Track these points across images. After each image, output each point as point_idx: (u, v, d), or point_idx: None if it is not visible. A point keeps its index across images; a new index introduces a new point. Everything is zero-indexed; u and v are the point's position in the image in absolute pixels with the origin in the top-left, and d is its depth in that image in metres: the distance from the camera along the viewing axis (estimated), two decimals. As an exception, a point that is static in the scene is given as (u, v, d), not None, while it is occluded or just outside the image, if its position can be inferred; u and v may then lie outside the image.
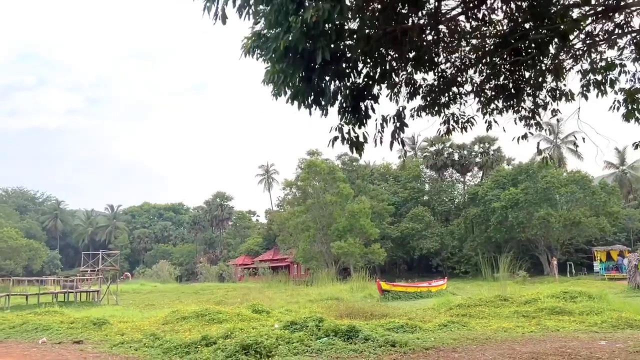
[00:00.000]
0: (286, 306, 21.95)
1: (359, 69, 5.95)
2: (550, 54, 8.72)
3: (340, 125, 6.54)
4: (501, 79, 9.26)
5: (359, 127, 6.07)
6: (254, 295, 33.56)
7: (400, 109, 7.18)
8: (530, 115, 9.56)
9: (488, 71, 9.16)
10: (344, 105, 5.98)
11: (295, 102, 6.15)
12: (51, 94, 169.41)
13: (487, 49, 8.94)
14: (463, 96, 9.37)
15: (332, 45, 4.99)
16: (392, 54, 7.12)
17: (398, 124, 6.60)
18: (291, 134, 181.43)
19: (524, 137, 9.19)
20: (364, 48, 5.25)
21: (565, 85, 9.33)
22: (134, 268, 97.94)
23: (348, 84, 5.99)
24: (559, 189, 51.06)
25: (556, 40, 8.07)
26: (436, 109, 8.90)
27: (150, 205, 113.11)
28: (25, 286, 30.20)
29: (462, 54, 9.07)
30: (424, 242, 60.19)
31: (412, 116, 8.49)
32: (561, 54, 9.08)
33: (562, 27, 7.61)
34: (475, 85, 9.34)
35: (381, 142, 6.71)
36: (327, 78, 5.51)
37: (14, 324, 12.89)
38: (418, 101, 8.62)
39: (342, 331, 8.50)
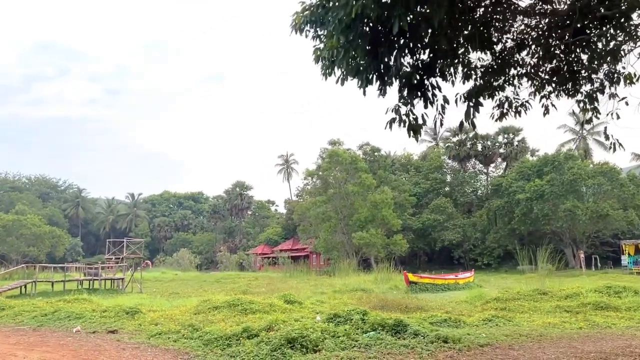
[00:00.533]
0: (313, 296, 21.62)
1: (426, 42, 5.44)
2: (610, 35, 8.17)
3: (397, 107, 6.10)
4: (555, 61, 8.72)
5: (426, 107, 5.60)
6: (277, 284, 33.37)
7: (473, 87, 6.64)
8: (586, 100, 8.99)
9: (543, 52, 8.61)
10: (408, 83, 5.50)
11: (351, 80, 5.70)
12: (71, 84, 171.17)
13: (543, 28, 8.40)
14: (517, 78, 8.83)
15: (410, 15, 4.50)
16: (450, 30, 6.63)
17: (472, 104, 6.10)
18: (310, 124, 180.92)
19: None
20: (442, 17, 4.75)
21: (624, 68, 8.74)
22: (154, 256, 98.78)
23: (413, 59, 5.50)
24: (585, 181, 49.92)
25: (617, 20, 7.56)
26: (489, 92, 8.39)
27: (170, 194, 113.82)
28: (51, 273, 30.34)
29: (516, 34, 8.53)
30: (446, 233, 59.47)
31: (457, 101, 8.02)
32: (620, 34, 8.49)
33: (624, 5, 7.06)
34: (530, 67, 8.80)
35: (441, 124, 6.25)
36: (395, 52, 5.03)
37: (46, 311, 12.75)
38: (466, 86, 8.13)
39: (389, 325, 8.07)
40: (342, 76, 6.44)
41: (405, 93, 5.58)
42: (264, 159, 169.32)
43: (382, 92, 5.87)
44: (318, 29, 5.79)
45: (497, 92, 8.60)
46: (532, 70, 8.82)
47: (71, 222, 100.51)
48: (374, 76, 5.20)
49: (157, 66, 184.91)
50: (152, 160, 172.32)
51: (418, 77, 5.35)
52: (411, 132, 6.18)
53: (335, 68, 6.00)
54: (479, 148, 67.10)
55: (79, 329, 10.35)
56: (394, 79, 5.27)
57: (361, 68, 5.22)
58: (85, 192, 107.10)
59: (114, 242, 33.26)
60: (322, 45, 6.31)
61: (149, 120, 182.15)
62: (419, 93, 5.50)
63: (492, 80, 8.34)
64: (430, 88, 5.54)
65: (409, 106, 6.08)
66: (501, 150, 66.02)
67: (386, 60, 5.08)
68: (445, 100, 6.29)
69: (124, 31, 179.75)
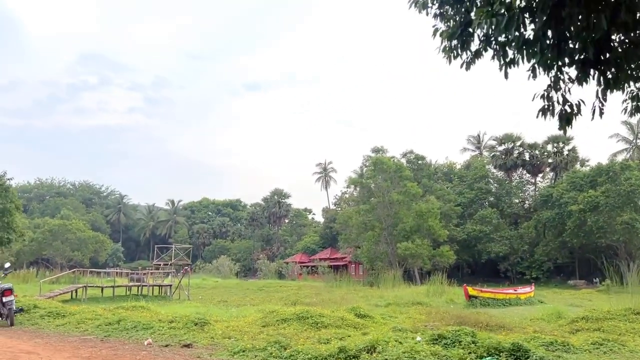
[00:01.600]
0: (374, 309, 20.63)
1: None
2: None
3: (547, 92, 5.21)
4: None
5: (607, 89, 4.68)
6: (324, 295, 32.42)
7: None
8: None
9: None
10: (582, 58, 4.59)
11: (491, 60, 4.82)
12: (113, 93, 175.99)
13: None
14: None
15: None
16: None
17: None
18: (349, 132, 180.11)
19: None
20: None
21: None
22: (193, 262, 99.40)
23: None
24: (644, 192, 47.39)
25: None
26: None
27: (209, 201, 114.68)
28: (95, 277, 30.31)
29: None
30: (492, 245, 57.56)
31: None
32: None
33: None
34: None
35: (601, 113, 5.26)
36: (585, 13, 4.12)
37: (110, 320, 12.22)
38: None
39: (507, 349, 7.07)
40: (471, 57, 5.60)
41: (565, 73, 4.67)
42: (301, 166, 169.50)
43: (534, 74, 5.03)
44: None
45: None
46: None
47: (112, 227, 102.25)
48: (548, 49, 4.32)
49: (195, 76, 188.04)
50: (190, 167, 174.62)
51: (593, 52, 4.43)
52: (563, 122, 5.27)
53: (472, 45, 5.21)
54: (526, 157, 64.98)
55: (150, 341, 9.71)
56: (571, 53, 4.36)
57: (530, 38, 4.35)
58: (126, 198, 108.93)
59: (161, 248, 33.04)
60: (443, 26, 5.56)
61: (187, 129, 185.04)
62: (594, 71, 4.60)
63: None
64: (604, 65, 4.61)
65: (560, 92, 5.19)
66: (550, 160, 63.62)
67: (564, 30, 4.19)
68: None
69: (164, 43, 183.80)
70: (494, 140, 66.78)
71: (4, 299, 12.22)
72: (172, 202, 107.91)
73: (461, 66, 5.75)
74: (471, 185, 63.66)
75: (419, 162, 59.22)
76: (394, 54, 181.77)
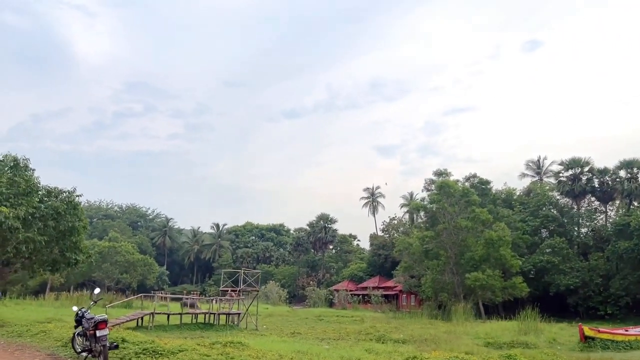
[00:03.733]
0: (482, 352, 17.92)
1: None
2: None
3: None
4: None
5: None
6: (407, 330, 29.60)
7: None
8: None
9: None
10: None
11: None
12: (156, 120, 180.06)
13: None
14: None
15: None
16: None
17: None
18: (381, 160, 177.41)
19: None
20: None
21: None
22: (236, 287, 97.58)
23: None
24: None
25: None
26: None
27: (253, 225, 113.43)
28: (154, 302, 28.48)
29: None
30: (562, 277, 53.53)
31: None
32: None
33: None
34: None
35: None
36: None
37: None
38: None
39: None
40: None
41: None
42: (343, 192, 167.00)
43: None
44: None
45: None
46: None
47: (157, 250, 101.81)
48: None
49: (234, 103, 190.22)
50: (230, 192, 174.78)
51: None
52: None
53: None
54: (595, 184, 60.95)
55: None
56: None
57: None
58: (172, 221, 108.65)
59: (229, 273, 31.12)
60: None
61: (227, 154, 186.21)
62: None
63: None
64: None
65: None
66: (622, 187, 59.33)
67: None
68: None
69: (204, 71, 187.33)
70: (559, 165, 62.96)
71: (98, 333, 10.22)
72: (217, 225, 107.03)
73: None
74: (534, 213, 59.95)
75: (483, 186, 56.04)
76: (428, 76, 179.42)
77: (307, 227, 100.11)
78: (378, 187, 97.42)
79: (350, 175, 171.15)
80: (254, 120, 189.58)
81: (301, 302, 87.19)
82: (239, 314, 27.62)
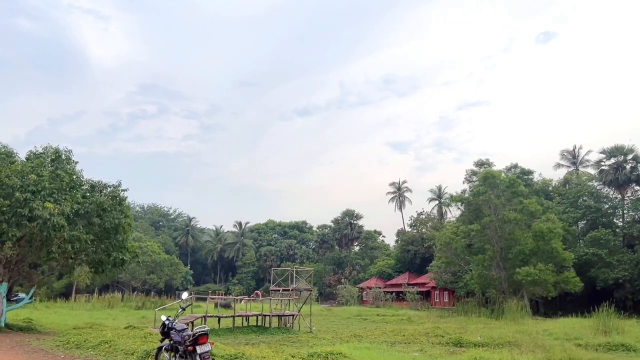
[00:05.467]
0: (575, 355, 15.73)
1: None
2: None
3: None
4: None
5: None
6: (469, 329, 27.42)
7: None
8: None
9: None
10: None
11: None
12: (170, 121, 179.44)
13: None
14: None
15: None
16: None
17: None
18: (395, 156, 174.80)
19: None
20: None
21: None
22: (260, 286, 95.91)
23: None
24: None
25: None
26: None
27: (275, 223, 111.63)
28: (217, 304, 26.60)
29: None
30: (609, 271, 50.84)
31: None
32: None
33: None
34: None
35: None
36: None
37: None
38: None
39: None
40: None
41: None
42: (358, 188, 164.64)
43: None
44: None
45: None
46: None
47: (180, 250, 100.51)
48: None
49: (247, 103, 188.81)
50: (245, 191, 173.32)
51: None
52: None
53: None
54: (640, 172, 58.00)
55: None
56: None
57: None
58: (194, 220, 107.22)
59: (280, 272, 29.12)
60: None
61: (242, 153, 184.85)
62: None
63: None
64: None
65: None
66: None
67: None
68: None
69: (217, 72, 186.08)
70: (600, 153, 60.03)
71: (199, 349, 8.18)
72: (240, 224, 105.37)
73: None
74: (574, 204, 57.26)
75: (525, 177, 53.46)
76: (444, 72, 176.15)
77: (332, 224, 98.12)
78: (405, 182, 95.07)
79: (364, 172, 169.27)
80: (266, 119, 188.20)
81: (328, 300, 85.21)
82: (294, 315, 25.62)
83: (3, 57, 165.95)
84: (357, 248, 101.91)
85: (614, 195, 60.05)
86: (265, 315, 24.97)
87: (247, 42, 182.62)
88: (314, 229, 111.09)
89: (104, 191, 20.70)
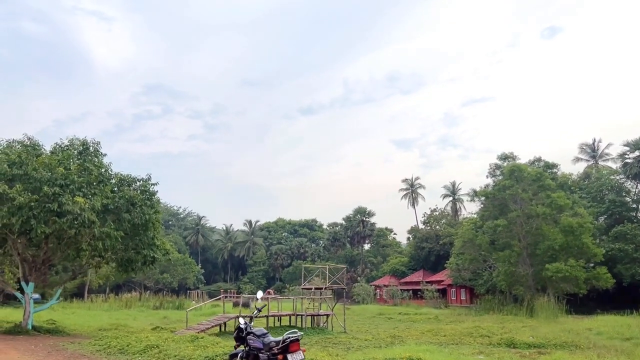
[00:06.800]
0: None
1: None
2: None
3: None
4: None
5: None
6: (509, 328, 26.16)
7: None
8: None
9: None
10: None
11: None
12: (175, 121, 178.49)
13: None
14: None
15: None
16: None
17: None
18: (399, 153, 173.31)
19: None
20: None
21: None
22: (270, 284, 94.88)
23: None
24: None
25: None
26: None
27: (285, 221, 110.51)
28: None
29: None
30: (637, 267, 49.45)
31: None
32: None
33: None
34: None
35: None
36: None
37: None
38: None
39: None
40: None
41: None
42: (365, 186, 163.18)
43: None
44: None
45: None
46: None
47: (190, 249, 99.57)
48: None
49: (251, 101, 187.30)
50: (252, 190, 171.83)
51: None
52: None
53: None
54: (667, 165, 56.50)
55: None
56: None
57: None
58: (204, 219, 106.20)
59: (309, 270, 27.99)
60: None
61: (247, 153, 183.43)
62: None
63: None
64: None
65: None
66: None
67: None
68: None
69: (221, 72, 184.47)
70: (624, 146, 58.52)
71: (291, 358, 7.06)
72: (250, 222, 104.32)
73: None
74: (596, 198, 55.87)
75: (550, 170, 52.11)
76: (453, 68, 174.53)
77: (343, 222, 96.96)
78: (417, 178, 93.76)
79: (370, 170, 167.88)
80: (271, 118, 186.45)
81: (340, 299, 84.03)
82: (328, 315, 24.48)
83: (8, 60, 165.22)
84: (367, 246, 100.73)
85: (639, 189, 58.62)
86: (298, 315, 23.84)
87: (250, 41, 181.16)
88: (324, 227, 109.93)
89: (133, 185, 19.58)
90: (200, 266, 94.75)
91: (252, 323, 8.07)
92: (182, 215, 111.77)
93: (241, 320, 7.95)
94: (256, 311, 8.56)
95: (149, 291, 66.20)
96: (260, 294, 9.13)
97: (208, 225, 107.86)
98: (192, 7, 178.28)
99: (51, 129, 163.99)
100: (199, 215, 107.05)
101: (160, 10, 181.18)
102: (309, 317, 24.55)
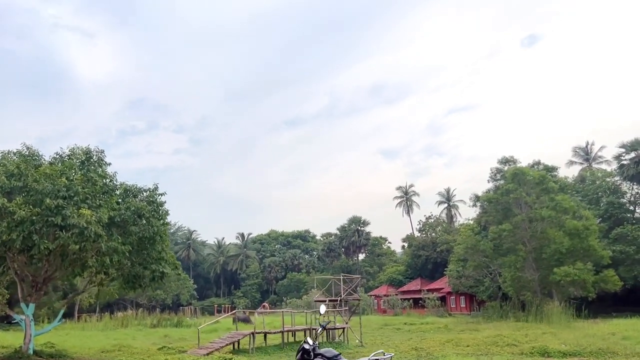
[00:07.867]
0: None
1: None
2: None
3: None
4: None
5: None
6: (532, 337, 25.20)
7: None
8: None
9: None
10: None
11: None
12: (159, 136, 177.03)
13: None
14: None
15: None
16: None
17: None
18: (384, 164, 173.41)
19: None
20: None
21: None
22: (265, 298, 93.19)
23: None
24: None
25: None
26: None
27: (278, 233, 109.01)
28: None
29: None
30: (639, 268, 49.05)
31: None
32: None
33: None
34: None
35: None
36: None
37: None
38: None
39: None
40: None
41: None
42: (354, 196, 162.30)
43: None
44: None
45: None
46: None
47: (182, 264, 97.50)
48: None
49: (237, 114, 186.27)
50: (241, 203, 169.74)
51: None
52: None
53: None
54: (664, 166, 56.41)
55: None
56: None
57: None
58: (195, 234, 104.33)
59: (322, 281, 26.83)
60: None
61: (233, 166, 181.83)
62: None
63: None
64: None
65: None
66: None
67: None
68: None
69: (206, 86, 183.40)
70: (620, 147, 58.44)
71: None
72: (242, 235, 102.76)
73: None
74: (593, 200, 55.60)
75: (550, 173, 51.61)
76: (433, 76, 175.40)
77: (337, 232, 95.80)
78: (412, 186, 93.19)
79: (358, 180, 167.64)
80: (257, 131, 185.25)
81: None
82: (344, 328, 23.33)
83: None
84: (362, 256, 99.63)
85: (635, 190, 58.47)
86: (313, 329, 22.68)
87: (235, 54, 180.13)
88: (318, 237, 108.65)
89: (139, 196, 18.36)
90: (192, 281, 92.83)
91: (317, 343, 6.96)
92: (172, 230, 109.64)
93: (309, 341, 6.84)
94: (320, 328, 7.48)
95: (141, 308, 64.30)
96: (323, 308, 8.02)
97: (199, 239, 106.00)
98: (175, 21, 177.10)
99: (36, 147, 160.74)
100: (189, 229, 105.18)
101: (144, 25, 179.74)
102: (324, 331, 23.38)
